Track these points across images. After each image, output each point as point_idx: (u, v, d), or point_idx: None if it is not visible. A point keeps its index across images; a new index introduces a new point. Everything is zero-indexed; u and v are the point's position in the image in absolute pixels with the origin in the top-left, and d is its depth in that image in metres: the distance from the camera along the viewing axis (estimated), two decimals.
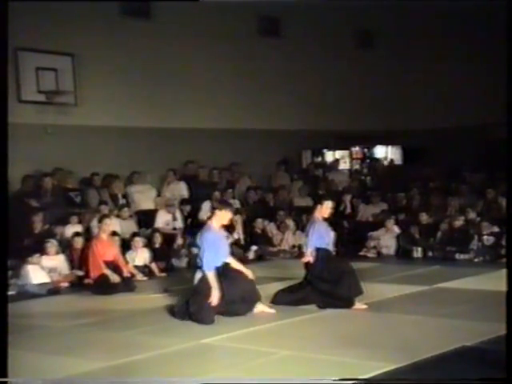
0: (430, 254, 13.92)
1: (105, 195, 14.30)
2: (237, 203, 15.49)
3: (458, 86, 19.11)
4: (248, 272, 8.84)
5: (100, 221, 11.63)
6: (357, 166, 19.80)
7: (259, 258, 14.17)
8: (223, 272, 8.55)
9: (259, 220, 14.92)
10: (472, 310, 8.77)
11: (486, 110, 17.84)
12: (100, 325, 8.65)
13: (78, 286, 11.54)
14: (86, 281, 11.47)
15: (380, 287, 10.38)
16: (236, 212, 14.62)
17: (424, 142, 19.40)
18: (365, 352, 6.75)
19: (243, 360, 6.73)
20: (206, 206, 14.41)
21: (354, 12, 19.09)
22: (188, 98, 16.46)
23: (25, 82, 14.04)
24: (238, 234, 14.30)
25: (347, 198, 15.98)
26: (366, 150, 20.19)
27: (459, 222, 13.97)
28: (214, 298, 8.35)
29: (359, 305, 8.99)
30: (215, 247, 8.53)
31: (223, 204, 9.12)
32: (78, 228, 12.86)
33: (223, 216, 8.74)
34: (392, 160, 20.26)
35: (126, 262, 11.87)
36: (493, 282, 10.12)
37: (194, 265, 8.71)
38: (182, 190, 15.36)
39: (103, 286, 10.88)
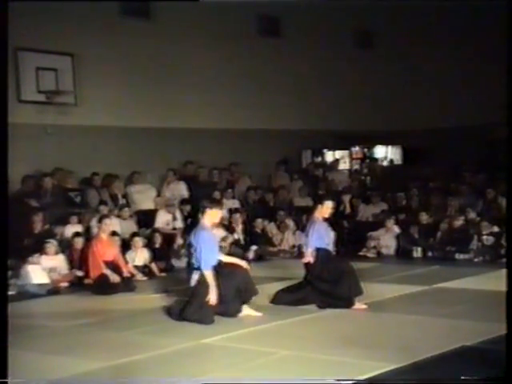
0: (430, 253, 13.93)
1: (105, 195, 14.30)
2: (237, 203, 15.53)
3: (458, 86, 19.11)
4: (241, 262, 8.84)
5: (100, 221, 11.64)
6: (357, 166, 19.80)
7: (259, 257, 14.16)
8: (218, 269, 8.53)
9: (259, 220, 14.92)
10: (472, 310, 8.78)
11: (486, 110, 17.83)
12: (100, 325, 8.65)
13: (77, 285, 11.53)
14: (86, 281, 11.48)
15: (380, 287, 10.37)
16: (236, 212, 14.71)
17: (424, 142, 19.39)
18: (365, 352, 6.75)
19: (243, 360, 6.73)
20: None
21: (354, 12, 19.08)
22: (188, 98, 16.45)
23: (25, 82, 14.04)
24: (238, 234, 14.30)
25: (346, 198, 15.96)
26: (365, 150, 20.18)
27: (459, 222, 13.98)
28: (213, 297, 8.35)
29: (359, 305, 8.99)
30: (211, 246, 8.53)
31: (213, 202, 9.08)
32: (78, 228, 12.86)
33: (214, 214, 8.74)
34: (392, 160, 20.26)
35: (126, 262, 11.87)
36: (493, 282, 10.12)
37: (190, 265, 8.65)
38: (181, 190, 15.37)
39: (103, 286, 10.87)
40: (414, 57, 19.90)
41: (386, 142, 20.30)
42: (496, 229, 13.41)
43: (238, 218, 14.44)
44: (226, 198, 15.36)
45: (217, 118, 16.89)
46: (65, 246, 12.30)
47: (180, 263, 13.13)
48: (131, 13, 15.75)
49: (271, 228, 15.08)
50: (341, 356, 6.67)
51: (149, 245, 12.91)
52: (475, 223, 13.96)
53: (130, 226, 13.63)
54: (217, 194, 14.78)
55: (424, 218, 14.49)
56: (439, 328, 7.84)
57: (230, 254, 12.18)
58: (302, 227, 13.72)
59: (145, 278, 12.08)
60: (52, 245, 11.76)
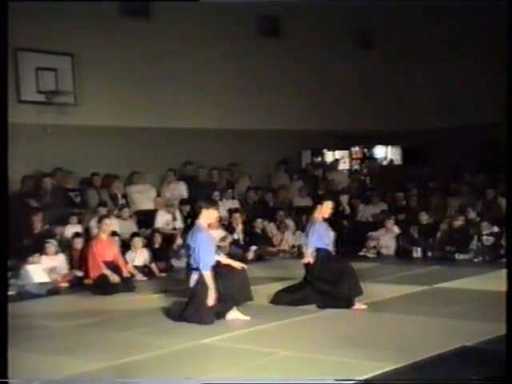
0: (430, 254, 13.93)
1: (104, 195, 14.30)
2: (236, 203, 15.53)
3: (458, 86, 19.12)
4: (238, 264, 8.82)
5: (100, 221, 11.63)
6: (356, 166, 19.80)
7: (259, 258, 14.17)
8: (217, 270, 8.53)
9: (259, 220, 14.92)
10: (472, 310, 8.78)
11: (486, 110, 17.84)
12: (100, 325, 8.65)
13: (77, 286, 11.53)
14: (86, 281, 11.47)
15: (380, 287, 10.37)
16: (235, 212, 14.70)
17: (424, 142, 19.41)
18: (365, 352, 6.76)
19: (243, 360, 6.73)
20: None
21: (354, 12, 19.10)
22: (188, 98, 16.46)
23: (25, 82, 14.04)
24: (238, 234, 14.30)
25: (344, 198, 15.92)
26: (365, 150, 20.19)
27: (459, 222, 13.98)
28: (211, 298, 8.34)
29: (359, 305, 8.99)
30: (209, 246, 8.52)
31: (209, 203, 9.02)
32: (78, 228, 12.86)
33: (210, 215, 8.73)
34: (392, 160, 20.26)
35: (126, 262, 11.86)
36: (493, 282, 10.12)
37: (189, 266, 8.64)
38: (181, 190, 15.37)
39: (103, 286, 10.87)
40: (413, 57, 19.92)
41: (385, 142, 20.31)
42: (496, 229, 13.41)
43: (238, 218, 14.43)
44: (225, 198, 15.38)
45: (217, 118, 16.90)
46: (65, 246, 12.29)
47: (180, 263, 13.10)
48: (131, 13, 15.75)
49: (271, 228, 15.07)
50: (341, 356, 6.68)
51: (149, 245, 12.90)
52: (475, 223, 13.97)
53: (130, 226, 13.63)
54: (216, 195, 14.78)
55: (424, 218, 14.49)
56: (439, 328, 7.85)
57: (229, 254, 12.22)
58: (301, 227, 13.72)
59: (145, 278, 12.08)
60: (52, 245, 11.75)
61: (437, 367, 6.30)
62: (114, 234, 12.17)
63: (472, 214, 14.27)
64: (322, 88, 18.83)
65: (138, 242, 12.56)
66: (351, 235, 14.92)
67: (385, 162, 20.24)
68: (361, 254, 14.28)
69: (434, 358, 6.51)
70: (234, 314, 8.53)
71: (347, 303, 8.95)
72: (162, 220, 14.19)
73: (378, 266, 13.12)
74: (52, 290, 11.00)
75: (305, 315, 8.70)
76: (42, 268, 11.33)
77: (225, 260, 8.97)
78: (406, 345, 7.03)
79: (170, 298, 9.90)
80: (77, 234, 12.40)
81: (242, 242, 14.24)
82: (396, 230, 14.46)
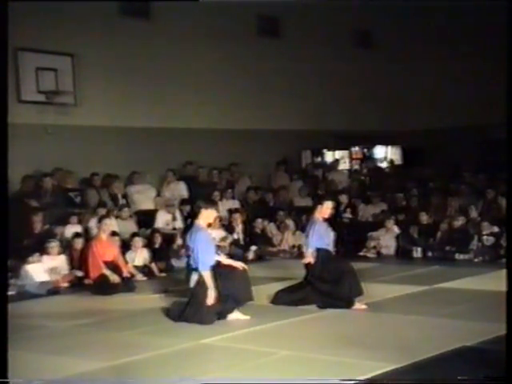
0: (430, 254, 13.92)
1: (105, 195, 14.31)
2: (237, 203, 15.53)
3: (457, 86, 19.12)
4: (239, 264, 8.80)
5: (100, 221, 11.63)
6: (356, 167, 19.79)
7: (259, 258, 14.17)
8: (216, 270, 8.51)
9: (259, 220, 14.92)
10: (472, 309, 8.78)
11: (486, 110, 17.84)
12: (100, 325, 8.65)
13: (77, 286, 11.53)
14: (86, 281, 11.47)
15: (380, 287, 10.37)
16: (236, 212, 14.70)
17: (424, 142, 19.41)
18: (365, 352, 6.75)
19: (243, 360, 6.73)
20: None
21: (354, 12, 19.10)
22: (188, 98, 16.46)
23: (25, 82, 14.04)
24: (238, 234, 14.30)
25: (344, 198, 15.90)
26: (365, 150, 20.19)
27: (459, 222, 13.97)
28: (211, 298, 8.33)
29: (359, 305, 8.99)
30: (208, 246, 8.50)
31: (208, 203, 8.96)
32: (78, 228, 12.86)
33: (209, 215, 8.71)
34: (392, 160, 20.25)
35: (126, 262, 11.87)
36: (493, 282, 10.12)
37: (189, 266, 8.64)
38: (181, 190, 15.37)
39: (103, 286, 10.87)
40: (413, 57, 19.91)
41: (385, 142, 20.30)
42: (496, 229, 13.41)
43: (238, 218, 14.44)
44: (225, 198, 15.38)
45: (217, 118, 16.90)
46: (65, 246, 12.29)
47: (180, 263, 13.10)
48: (131, 13, 15.75)
49: (271, 228, 15.07)
50: (341, 356, 6.68)
51: (149, 245, 12.90)
52: (476, 223, 13.96)
53: (130, 226, 13.63)
54: (217, 194, 14.78)
55: (424, 218, 14.49)
56: (439, 328, 7.84)
57: (229, 254, 12.22)
58: (301, 227, 13.72)
59: (145, 278, 12.07)
60: (55, 245, 11.75)
61: (437, 367, 6.30)
62: (114, 233, 12.17)
63: (474, 213, 14.26)
64: (321, 88, 18.83)
65: (138, 241, 12.56)
66: (351, 235, 14.92)
67: (385, 162, 20.23)
68: (361, 254, 14.27)
69: (434, 358, 6.51)
70: (234, 315, 8.53)
71: (347, 303, 8.95)
72: (162, 220, 14.19)
73: (378, 265, 13.11)
74: (52, 290, 11.00)
75: (305, 315, 8.70)
76: (43, 268, 11.33)
77: (226, 260, 8.96)
78: (406, 345, 7.02)
79: (170, 298, 9.90)
80: (77, 234, 12.40)
81: (242, 242, 14.25)
82: (396, 230, 14.46)
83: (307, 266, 9.27)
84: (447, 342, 7.01)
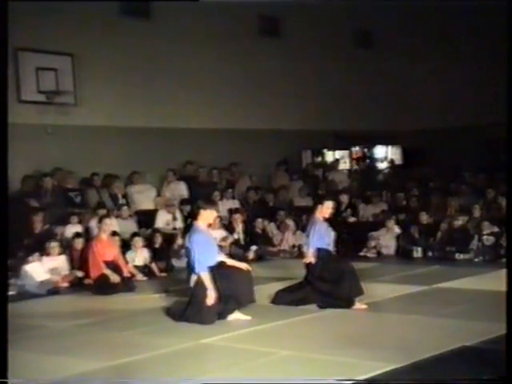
0: (430, 253, 13.92)
1: (105, 195, 14.31)
2: (237, 203, 15.53)
3: (457, 86, 19.12)
4: (243, 265, 8.77)
5: (100, 221, 11.63)
6: (356, 166, 19.79)
7: (259, 257, 14.16)
8: (218, 271, 8.50)
9: (259, 220, 14.92)
10: (472, 309, 8.77)
11: (486, 110, 17.84)
12: (100, 325, 8.65)
13: (78, 286, 11.53)
14: (86, 281, 11.47)
15: (380, 287, 10.36)
16: (236, 212, 14.70)
17: (424, 142, 19.40)
18: (365, 352, 6.75)
19: (243, 360, 6.73)
20: None
21: (354, 12, 19.10)
22: (188, 98, 16.46)
23: (25, 82, 14.04)
24: (238, 234, 14.30)
25: (343, 198, 15.88)
26: (365, 150, 20.19)
27: (459, 222, 13.97)
28: (210, 298, 8.32)
29: (359, 305, 8.99)
30: (205, 247, 8.46)
31: (207, 203, 8.93)
32: (78, 228, 12.86)
33: (208, 215, 8.68)
34: (392, 160, 20.25)
35: (126, 262, 11.87)
36: (493, 282, 10.11)
37: (189, 266, 8.63)
38: (181, 190, 15.37)
39: (103, 286, 10.87)
40: (413, 57, 19.90)
41: (385, 142, 20.31)
42: (496, 229, 13.40)
43: (238, 218, 14.43)
44: (226, 198, 15.39)
45: (217, 118, 16.90)
46: (65, 247, 12.29)
47: (180, 263, 13.10)
48: (131, 13, 15.75)
49: (271, 228, 15.08)
50: (341, 356, 6.67)
51: (149, 245, 12.90)
52: (476, 223, 13.96)
53: (130, 226, 13.63)
54: (217, 194, 14.79)
55: (424, 218, 14.49)
56: (439, 328, 7.84)
57: (230, 254, 12.21)
58: (302, 227, 13.72)
59: (145, 278, 12.07)
60: (55, 245, 11.75)
61: (437, 367, 6.30)
62: (114, 233, 12.18)
63: (477, 213, 14.26)
64: (322, 88, 18.83)
65: (139, 241, 12.56)
66: (352, 235, 14.92)
67: (385, 162, 20.24)
68: (361, 253, 14.27)
69: (434, 358, 6.51)
70: (234, 315, 8.52)
71: (348, 303, 8.95)
72: (163, 220, 14.20)
73: (378, 265, 13.11)
74: (52, 290, 10.99)
75: (305, 315, 8.69)
76: (44, 268, 11.33)
77: (230, 261, 8.91)
78: (406, 345, 7.02)
79: (170, 297, 9.90)
80: (77, 234, 12.40)
81: (242, 242, 14.25)
82: (396, 229, 14.45)
83: (307, 265, 9.27)
84: (447, 341, 7.00)
